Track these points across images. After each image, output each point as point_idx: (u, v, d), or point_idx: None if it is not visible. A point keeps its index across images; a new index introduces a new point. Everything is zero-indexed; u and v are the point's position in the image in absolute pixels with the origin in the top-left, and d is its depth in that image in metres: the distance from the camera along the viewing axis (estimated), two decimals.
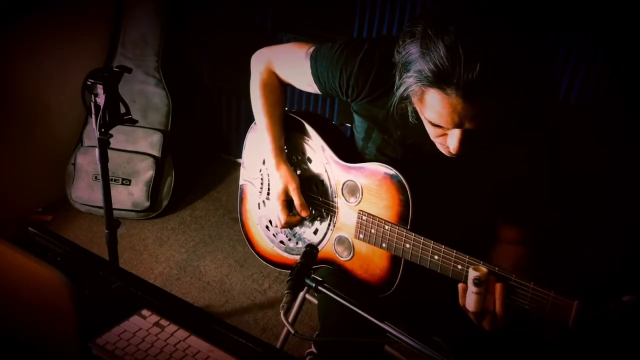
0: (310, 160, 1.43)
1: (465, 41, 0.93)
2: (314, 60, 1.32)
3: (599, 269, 2.14)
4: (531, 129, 1.19)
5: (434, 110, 1.02)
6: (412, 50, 1.00)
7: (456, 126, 1.03)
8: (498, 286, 1.05)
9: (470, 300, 1.09)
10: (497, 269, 1.08)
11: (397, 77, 1.06)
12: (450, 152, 1.11)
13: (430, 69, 0.96)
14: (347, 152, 1.37)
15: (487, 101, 0.97)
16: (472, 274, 1.07)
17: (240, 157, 3.20)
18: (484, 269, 1.07)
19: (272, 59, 1.43)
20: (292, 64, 1.39)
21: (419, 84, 1.00)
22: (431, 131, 1.12)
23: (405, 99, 1.10)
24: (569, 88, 2.17)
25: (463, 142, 1.05)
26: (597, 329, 0.96)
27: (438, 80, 0.96)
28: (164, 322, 1.02)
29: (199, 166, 3.13)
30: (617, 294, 0.96)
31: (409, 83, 1.02)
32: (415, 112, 1.13)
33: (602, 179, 2.18)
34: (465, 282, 1.11)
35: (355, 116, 1.35)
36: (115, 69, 1.61)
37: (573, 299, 0.99)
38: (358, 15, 2.49)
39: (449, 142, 1.07)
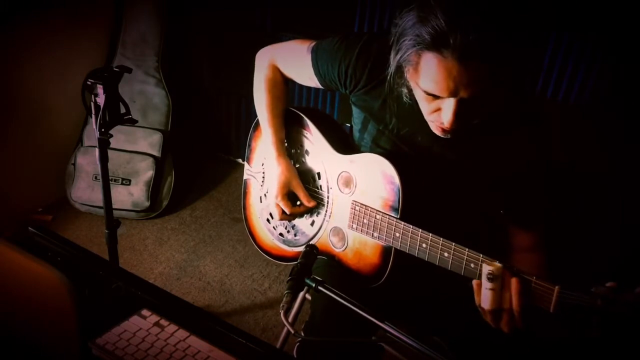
0: (308, 153, 1.46)
1: (464, 8, 0.96)
2: (315, 53, 1.36)
3: (598, 269, 2.14)
4: (528, 125, 1.20)
5: (430, 76, 1.03)
6: (409, 18, 1.02)
7: (451, 94, 1.03)
8: (514, 281, 1.02)
9: (485, 297, 1.05)
10: (481, 256, 1.08)
11: (394, 46, 1.07)
12: (444, 130, 1.12)
13: (427, 32, 0.98)
14: (344, 144, 1.40)
15: (481, 67, 0.98)
16: (485, 268, 1.03)
17: (240, 157, 3.22)
18: (497, 264, 1.03)
19: (276, 54, 1.47)
20: (294, 59, 1.42)
21: (416, 47, 1.01)
22: (425, 107, 1.12)
23: (400, 76, 1.11)
24: (569, 88, 2.17)
25: (457, 114, 1.06)
26: (579, 314, 0.96)
27: (435, 42, 0.98)
28: (164, 322, 1.02)
29: (199, 166, 3.13)
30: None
31: (406, 47, 1.03)
32: (409, 91, 1.15)
33: (601, 179, 2.18)
34: (458, 272, 1.11)
35: (353, 108, 1.38)
36: (115, 69, 1.61)
37: (554, 284, 0.99)
38: (358, 16, 2.49)
39: (443, 115, 1.08)
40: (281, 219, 1.47)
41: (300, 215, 1.47)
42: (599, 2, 2.00)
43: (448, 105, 1.06)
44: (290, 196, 1.44)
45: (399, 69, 1.10)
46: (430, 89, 1.05)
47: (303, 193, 1.43)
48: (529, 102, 1.22)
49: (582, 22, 2.06)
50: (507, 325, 1.06)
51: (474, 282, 1.08)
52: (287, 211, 1.43)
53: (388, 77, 1.14)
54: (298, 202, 1.45)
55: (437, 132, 1.15)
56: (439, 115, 1.10)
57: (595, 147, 2.15)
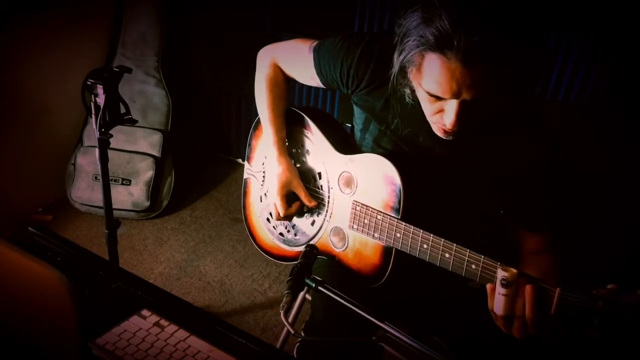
0: (309, 153, 1.46)
1: (468, 9, 0.95)
2: (317, 53, 1.35)
3: (598, 269, 2.14)
4: (528, 125, 1.20)
5: (433, 77, 1.03)
6: (413, 19, 1.02)
7: (454, 95, 1.03)
8: (528, 288, 1.00)
9: (498, 302, 1.04)
10: (482, 258, 1.08)
11: (398, 46, 1.07)
12: (446, 131, 1.12)
13: (432, 33, 0.98)
14: (345, 144, 1.40)
15: (484, 69, 0.98)
16: (500, 274, 1.02)
17: (240, 157, 3.23)
18: (513, 270, 1.01)
19: (277, 53, 1.47)
20: (296, 58, 1.42)
21: (420, 48, 1.01)
22: (428, 109, 1.12)
23: (403, 76, 1.11)
24: (569, 88, 2.17)
25: (460, 115, 1.06)
26: (580, 317, 0.96)
27: (439, 43, 0.98)
28: (164, 322, 1.02)
29: (199, 166, 3.13)
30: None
31: (410, 47, 1.03)
32: (412, 92, 1.15)
33: (601, 179, 2.18)
34: (459, 273, 1.11)
35: (355, 108, 1.38)
36: (115, 69, 1.61)
37: (555, 286, 0.99)
38: (358, 16, 2.49)
39: (446, 117, 1.08)
40: (277, 219, 1.47)
41: (299, 215, 1.47)
42: (599, 2, 2.00)
43: (450, 107, 1.06)
44: (289, 196, 1.44)
45: (402, 70, 1.10)
46: (433, 90, 1.05)
47: (304, 193, 1.43)
48: (529, 102, 1.22)
49: (582, 22, 2.06)
50: (518, 332, 1.05)
51: (488, 285, 1.06)
52: (282, 213, 1.43)
53: (391, 78, 1.14)
54: (298, 203, 1.45)
55: (439, 134, 1.15)
56: (442, 117, 1.10)
57: (595, 147, 2.15)
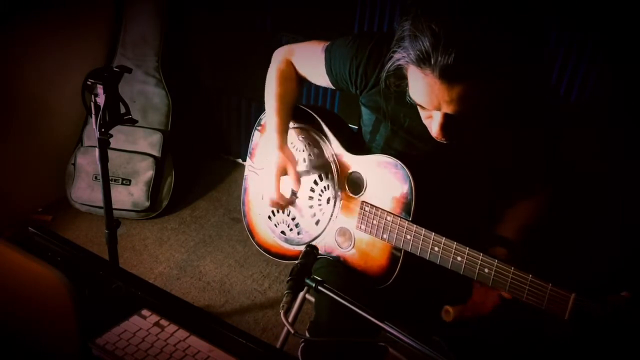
0: (318, 151, 1.45)
1: (448, 28, 0.96)
2: (328, 52, 1.37)
3: (598, 269, 2.14)
4: (529, 125, 1.21)
5: (416, 88, 1.07)
6: (405, 28, 1.04)
7: (435, 108, 1.07)
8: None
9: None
10: (496, 261, 1.08)
11: (389, 53, 1.10)
12: (437, 137, 1.14)
13: (413, 48, 1.01)
14: (354, 145, 1.40)
15: (464, 87, 1.00)
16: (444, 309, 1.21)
17: (240, 157, 3.22)
18: (450, 310, 1.21)
19: (293, 51, 1.48)
20: (308, 56, 1.44)
21: (402, 60, 1.05)
22: (421, 112, 1.15)
23: (399, 77, 1.13)
24: (568, 88, 2.17)
25: (444, 126, 1.09)
26: (593, 323, 0.97)
27: (418, 58, 1.01)
28: (164, 322, 1.02)
29: (199, 166, 3.13)
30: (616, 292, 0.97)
31: (395, 58, 1.07)
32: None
33: (601, 179, 2.18)
34: (471, 277, 1.14)
35: (363, 109, 1.38)
36: (115, 69, 1.61)
37: (570, 291, 1.00)
38: (358, 16, 2.49)
39: (433, 125, 1.11)
40: (271, 205, 1.43)
41: (288, 204, 1.44)
42: (600, 2, 2.00)
43: (436, 117, 1.09)
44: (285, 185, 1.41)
45: (399, 70, 1.11)
46: (417, 100, 1.08)
47: (295, 175, 1.38)
48: (533, 103, 1.22)
49: (583, 22, 2.06)
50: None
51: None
52: (275, 196, 1.39)
53: (379, 83, 1.18)
54: (293, 191, 1.43)
55: (433, 136, 1.16)
56: (431, 123, 1.12)
57: (595, 147, 2.15)
